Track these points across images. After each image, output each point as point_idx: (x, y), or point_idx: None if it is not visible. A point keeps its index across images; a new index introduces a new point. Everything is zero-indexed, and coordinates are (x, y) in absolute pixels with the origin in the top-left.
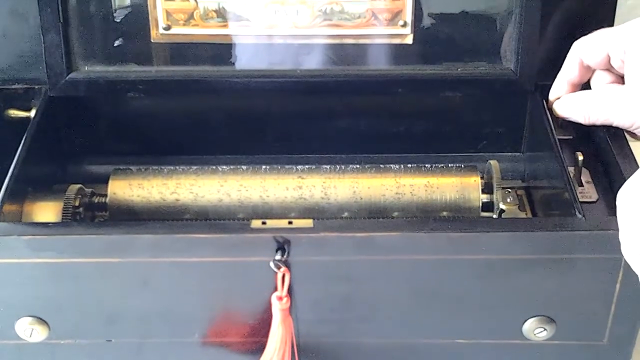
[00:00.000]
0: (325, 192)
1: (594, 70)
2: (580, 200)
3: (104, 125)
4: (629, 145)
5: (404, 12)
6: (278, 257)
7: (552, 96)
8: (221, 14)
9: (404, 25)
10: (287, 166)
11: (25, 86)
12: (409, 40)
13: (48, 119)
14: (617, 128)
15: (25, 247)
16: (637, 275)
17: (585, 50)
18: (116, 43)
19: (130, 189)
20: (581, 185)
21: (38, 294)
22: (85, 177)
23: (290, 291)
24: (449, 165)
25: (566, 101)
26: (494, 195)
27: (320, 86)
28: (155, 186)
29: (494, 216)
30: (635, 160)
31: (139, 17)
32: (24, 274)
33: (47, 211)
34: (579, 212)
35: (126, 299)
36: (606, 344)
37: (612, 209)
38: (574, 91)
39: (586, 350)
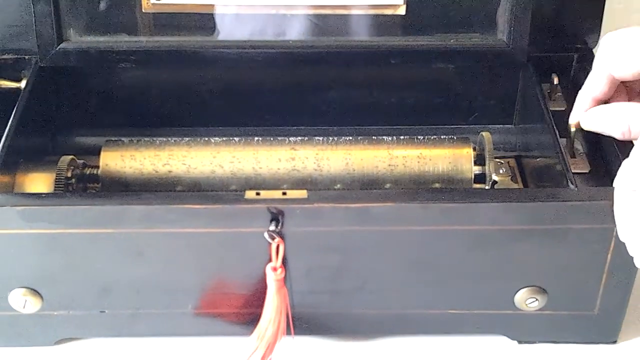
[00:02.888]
0: (318, 163)
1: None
2: (573, 171)
3: (95, 96)
4: None
5: None
6: (272, 227)
7: (576, 117)
8: None
9: None
10: (279, 138)
11: (15, 56)
12: (402, 11)
13: (39, 90)
14: None
15: (18, 217)
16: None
17: (617, 62)
18: (107, 12)
19: (123, 160)
20: (573, 156)
21: (31, 265)
22: (77, 148)
23: (284, 262)
24: (442, 137)
25: (598, 113)
26: (487, 167)
27: (312, 57)
28: (147, 157)
29: (487, 187)
30: None
31: None
32: (16, 245)
33: (39, 182)
34: (572, 183)
35: (119, 270)
36: (597, 314)
37: (604, 180)
38: None
39: (577, 320)
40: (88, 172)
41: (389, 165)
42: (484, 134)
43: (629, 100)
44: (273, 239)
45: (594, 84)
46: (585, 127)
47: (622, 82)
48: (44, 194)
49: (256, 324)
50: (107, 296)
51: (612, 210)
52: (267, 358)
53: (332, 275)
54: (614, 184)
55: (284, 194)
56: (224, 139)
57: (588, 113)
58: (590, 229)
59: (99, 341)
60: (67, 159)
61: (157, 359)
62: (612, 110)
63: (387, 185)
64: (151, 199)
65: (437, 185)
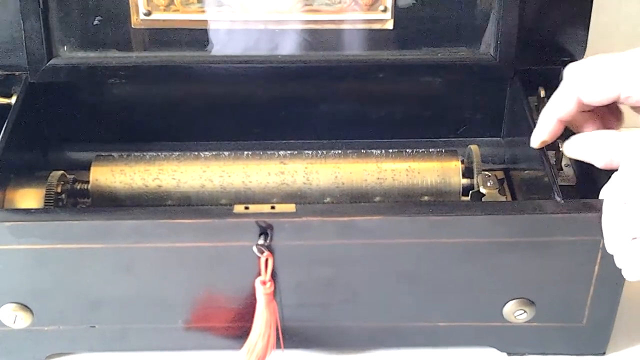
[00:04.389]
0: (308, 177)
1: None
2: (560, 183)
3: (85, 111)
4: None
5: None
6: (261, 241)
7: (539, 136)
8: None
9: (385, 10)
10: (269, 152)
11: (6, 73)
12: (390, 25)
13: (29, 106)
14: None
15: (7, 233)
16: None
17: (587, 88)
18: (96, 28)
19: (113, 175)
20: (560, 169)
21: (21, 280)
22: (67, 163)
23: (273, 275)
24: (430, 150)
25: (581, 142)
26: (475, 180)
27: (301, 71)
28: (137, 172)
29: (469, 199)
30: None
31: (120, 2)
32: (6, 260)
33: (29, 198)
34: (558, 196)
35: (109, 285)
36: (585, 326)
37: (591, 193)
38: (562, 128)
39: (565, 332)
40: (78, 187)
41: (378, 178)
42: (472, 146)
43: (601, 120)
44: (262, 252)
45: (562, 105)
46: (568, 155)
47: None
48: (34, 209)
49: (246, 337)
50: (98, 311)
51: (600, 222)
52: None
53: (321, 288)
54: (601, 195)
55: (273, 208)
56: (214, 153)
57: (571, 141)
58: (578, 241)
59: (89, 356)
60: (57, 174)
61: None
62: (595, 141)
63: (377, 199)
64: (140, 214)
65: (425, 198)
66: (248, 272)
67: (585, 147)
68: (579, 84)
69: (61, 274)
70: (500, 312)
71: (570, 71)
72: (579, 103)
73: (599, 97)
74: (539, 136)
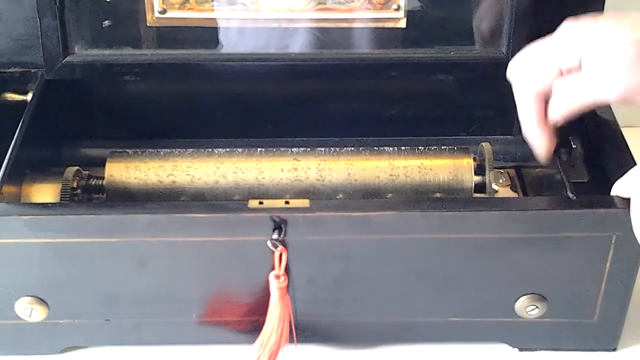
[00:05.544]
0: (320, 173)
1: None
2: (572, 180)
3: (100, 108)
4: (619, 127)
5: None
6: (275, 236)
7: (542, 149)
8: None
9: (397, 9)
10: (282, 148)
11: (22, 70)
12: (402, 24)
13: (44, 103)
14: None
15: (24, 227)
16: (626, 254)
17: (531, 81)
18: (111, 26)
19: (127, 171)
20: (572, 166)
21: (37, 274)
22: (81, 160)
23: (287, 270)
24: (442, 147)
25: (559, 99)
26: (487, 177)
27: (314, 69)
28: (152, 168)
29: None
30: (625, 142)
31: (135, 0)
32: (23, 254)
33: (44, 193)
34: (571, 192)
35: (124, 279)
36: (597, 322)
37: (603, 189)
38: (552, 128)
39: (577, 328)
40: (93, 182)
41: (390, 175)
42: (484, 144)
43: None
44: (276, 247)
45: (531, 111)
46: (557, 117)
47: None
48: (50, 203)
49: (259, 332)
50: (112, 305)
51: (611, 218)
52: None
53: (334, 283)
54: (613, 191)
55: (287, 203)
56: (228, 150)
57: (552, 107)
58: (590, 237)
59: (104, 350)
60: (72, 169)
61: None
62: (564, 92)
63: (389, 195)
64: (155, 209)
65: (437, 194)
66: (262, 266)
67: (563, 103)
68: (523, 82)
69: (77, 268)
70: (512, 307)
71: (510, 72)
72: (539, 96)
73: (543, 83)
74: (542, 149)
